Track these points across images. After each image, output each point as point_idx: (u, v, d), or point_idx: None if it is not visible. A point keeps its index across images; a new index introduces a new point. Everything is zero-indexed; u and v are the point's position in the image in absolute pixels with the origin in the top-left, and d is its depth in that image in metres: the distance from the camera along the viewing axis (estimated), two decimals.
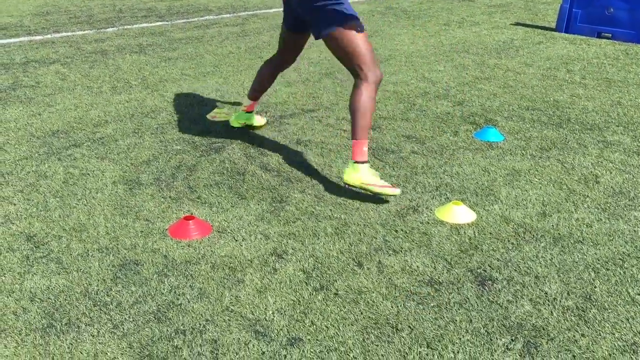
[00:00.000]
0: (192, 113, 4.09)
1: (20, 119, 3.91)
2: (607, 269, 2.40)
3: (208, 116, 3.99)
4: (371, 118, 2.88)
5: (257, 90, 3.63)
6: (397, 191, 2.82)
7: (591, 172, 3.26)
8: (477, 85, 4.79)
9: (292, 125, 3.90)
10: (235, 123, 3.78)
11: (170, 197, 2.93)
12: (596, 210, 2.86)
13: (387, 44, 6.18)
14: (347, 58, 2.87)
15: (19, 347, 1.93)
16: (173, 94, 4.48)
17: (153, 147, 3.51)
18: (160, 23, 7.10)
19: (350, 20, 2.83)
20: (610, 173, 3.24)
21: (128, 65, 5.21)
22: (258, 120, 3.85)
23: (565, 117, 4.09)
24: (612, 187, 3.08)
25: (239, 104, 4.26)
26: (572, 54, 5.85)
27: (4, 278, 2.29)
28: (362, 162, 2.86)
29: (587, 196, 2.98)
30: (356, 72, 2.88)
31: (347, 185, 2.94)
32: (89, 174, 3.16)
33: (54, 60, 5.35)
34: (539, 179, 3.16)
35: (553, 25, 7.14)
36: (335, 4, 2.83)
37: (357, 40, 2.82)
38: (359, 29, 2.84)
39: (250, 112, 3.77)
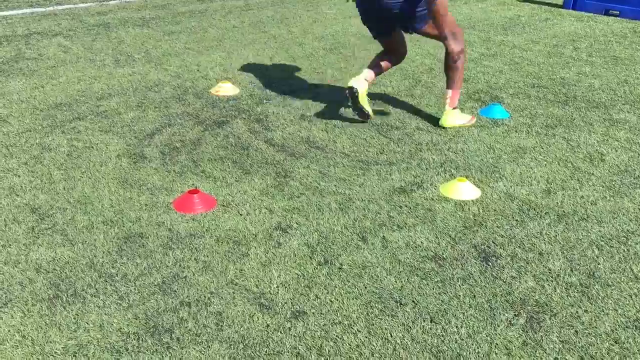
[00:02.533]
0: (196, 87, 4.06)
1: (23, 92, 3.89)
2: (611, 246, 2.40)
3: (212, 90, 3.97)
4: (463, 72, 3.43)
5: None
6: (474, 120, 3.54)
7: (596, 150, 3.24)
8: (482, 62, 4.75)
9: (296, 101, 3.88)
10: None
11: (174, 171, 2.93)
12: (601, 188, 2.85)
13: None
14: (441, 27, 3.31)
15: (26, 317, 1.95)
16: (176, 67, 4.45)
17: (157, 121, 3.50)
18: None
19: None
20: (616, 151, 3.23)
21: (131, 39, 5.17)
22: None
23: (572, 95, 4.06)
24: (617, 165, 3.07)
25: (247, 79, 4.23)
26: (579, 31, 5.79)
27: (9, 249, 2.30)
28: (454, 108, 3.46)
29: (592, 174, 2.98)
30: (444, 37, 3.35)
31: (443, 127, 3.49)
32: (92, 147, 3.15)
33: (56, 32, 5.31)
34: (544, 157, 3.15)
35: (560, 1, 7.06)
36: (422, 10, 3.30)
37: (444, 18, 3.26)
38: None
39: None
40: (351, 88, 3.39)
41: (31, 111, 3.59)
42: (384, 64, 3.58)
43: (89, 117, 3.53)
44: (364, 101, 3.44)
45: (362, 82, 3.41)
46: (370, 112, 3.50)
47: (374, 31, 3.53)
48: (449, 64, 3.39)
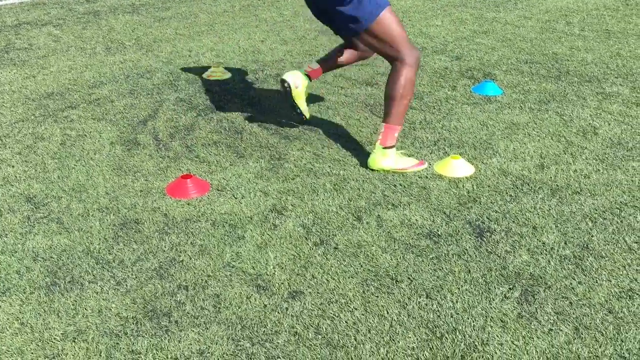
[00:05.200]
0: (188, 73, 4.05)
1: (15, 82, 3.88)
2: (605, 219, 2.41)
3: (204, 75, 3.96)
4: (408, 104, 2.75)
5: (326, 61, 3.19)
6: (424, 165, 2.80)
7: (589, 123, 3.25)
8: (475, 40, 4.74)
9: None
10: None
11: (168, 156, 2.93)
12: (594, 161, 2.86)
13: None
14: (384, 49, 2.73)
15: (24, 305, 1.96)
16: (168, 54, 4.43)
17: (149, 108, 3.49)
18: None
19: (377, 10, 2.64)
20: (609, 124, 3.23)
21: (121, 26, 5.14)
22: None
23: (564, 70, 4.06)
24: (610, 138, 3.08)
25: (236, 65, 4.21)
26: (571, 5, 5.76)
27: (5, 239, 2.30)
28: (391, 147, 2.75)
29: (586, 148, 2.99)
30: (393, 57, 2.72)
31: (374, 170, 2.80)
32: (86, 135, 3.15)
33: (46, 22, 5.27)
34: (538, 132, 3.16)
35: None
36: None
37: (389, 27, 2.67)
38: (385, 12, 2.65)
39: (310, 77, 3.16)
40: (283, 82, 3.04)
41: (23, 101, 3.58)
42: (342, 57, 3.14)
43: (81, 105, 3.52)
44: (298, 99, 3.04)
45: (298, 77, 3.03)
46: (305, 114, 3.10)
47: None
48: (392, 90, 2.71)
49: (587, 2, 5.87)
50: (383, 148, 2.74)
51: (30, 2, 5.99)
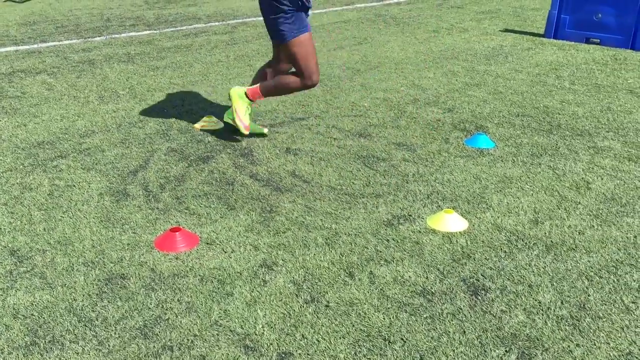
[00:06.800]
0: (180, 123, 4.04)
1: (5, 130, 3.85)
2: (601, 277, 2.37)
3: (196, 125, 3.95)
4: (276, 94, 3.64)
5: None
6: (246, 132, 3.64)
7: (582, 178, 3.24)
8: (467, 92, 4.78)
9: (281, 134, 3.86)
10: (226, 118, 3.87)
11: (157, 208, 2.89)
12: (588, 217, 2.84)
13: (376, 51, 6.17)
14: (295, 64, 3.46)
15: None
16: (161, 103, 4.43)
17: (140, 158, 3.46)
18: (149, 32, 7.05)
19: (291, 34, 3.31)
20: (602, 179, 3.23)
21: (116, 75, 5.16)
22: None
23: (556, 123, 4.08)
24: (603, 194, 3.07)
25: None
26: (561, 59, 5.86)
27: None
28: (251, 101, 3.61)
29: (579, 203, 2.97)
30: (300, 71, 3.46)
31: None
32: (74, 186, 3.10)
33: (40, 70, 5.29)
34: (531, 186, 3.14)
35: (542, 31, 7.16)
36: (278, 19, 3.31)
37: (301, 50, 3.36)
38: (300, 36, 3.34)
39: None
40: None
41: (12, 150, 3.54)
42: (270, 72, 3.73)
43: (71, 155, 3.49)
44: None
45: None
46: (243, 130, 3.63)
47: None
48: (283, 76, 3.55)
49: (577, 57, 5.97)
50: (246, 96, 3.58)
51: (26, 50, 6.04)
